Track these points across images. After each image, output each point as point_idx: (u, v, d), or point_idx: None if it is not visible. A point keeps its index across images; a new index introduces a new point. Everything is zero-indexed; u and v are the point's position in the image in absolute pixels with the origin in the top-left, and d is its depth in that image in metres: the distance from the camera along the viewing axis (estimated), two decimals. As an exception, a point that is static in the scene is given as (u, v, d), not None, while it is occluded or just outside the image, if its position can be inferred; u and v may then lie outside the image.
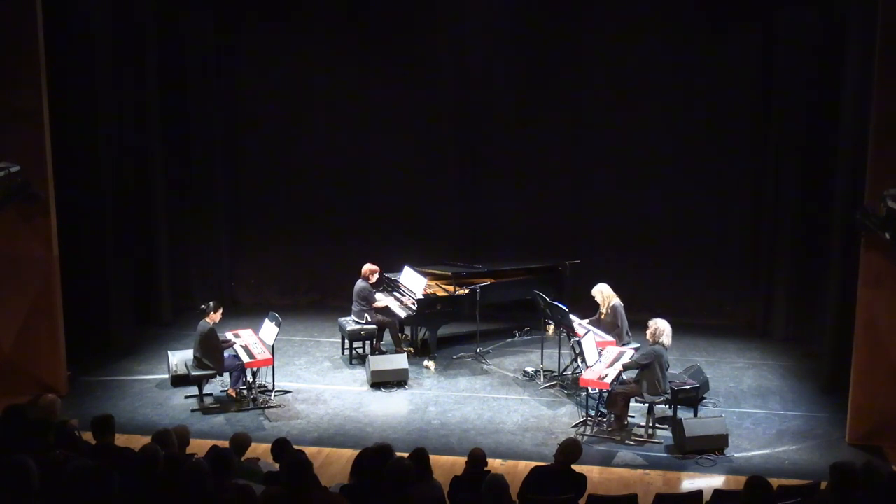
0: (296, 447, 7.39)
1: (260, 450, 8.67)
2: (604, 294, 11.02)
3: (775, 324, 13.04)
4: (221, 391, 10.74)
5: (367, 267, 11.95)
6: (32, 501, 4.81)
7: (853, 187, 10.09)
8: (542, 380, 11.28)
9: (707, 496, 7.27)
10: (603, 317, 11.06)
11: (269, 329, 10.49)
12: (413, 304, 11.73)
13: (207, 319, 10.36)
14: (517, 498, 6.84)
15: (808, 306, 12.54)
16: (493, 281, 12.30)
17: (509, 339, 12.87)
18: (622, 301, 11.06)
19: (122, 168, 12.57)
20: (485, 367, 11.84)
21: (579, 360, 10.28)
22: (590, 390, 10.00)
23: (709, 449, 9.33)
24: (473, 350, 12.15)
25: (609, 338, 10.71)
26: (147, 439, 7.07)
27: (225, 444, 7.59)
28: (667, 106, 13.36)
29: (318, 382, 11.35)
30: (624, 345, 10.64)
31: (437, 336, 11.95)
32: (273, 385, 10.72)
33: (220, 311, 10.50)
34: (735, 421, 10.17)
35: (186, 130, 13.85)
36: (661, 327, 9.70)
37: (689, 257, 13.64)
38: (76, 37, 11.64)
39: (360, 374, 11.50)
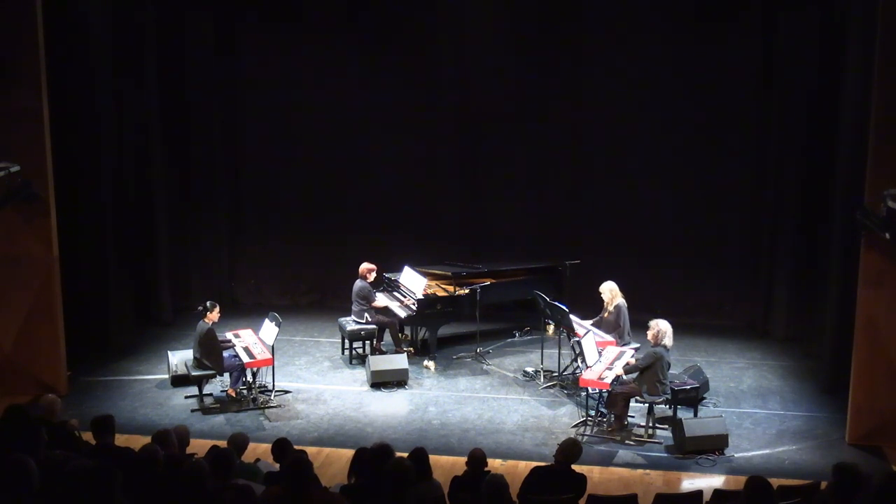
0: (296, 447, 7.41)
1: (260, 450, 8.69)
2: (612, 292, 11.01)
3: (775, 324, 13.04)
4: (221, 391, 10.74)
5: (365, 266, 11.95)
6: (32, 501, 4.81)
7: (853, 187, 10.09)
8: (542, 380, 11.28)
9: (707, 496, 7.27)
10: (607, 315, 11.06)
11: (269, 329, 10.49)
12: (413, 304, 11.73)
13: (206, 319, 10.36)
14: (517, 498, 6.83)
15: (808, 306, 12.53)
16: (493, 281, 12.30)
17: (509, 339, 12.87)
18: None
19: (122, 168, 12.58)
20: (485, 367, 11.84)
21: (579, 360, 10.28)
22: (590, 390, 10.00)
23: (709, 449, 9.33)
24: (473, 350, 12.15)
25: (609, 338, 10.72)
26: (147, 439, 7.07)
27: (225, 444, 7.59)
28: (667, 106, 13.36)
29: (318, 382, 11.35)
30: (624, 345, 10.64)
31: (437, 336, 11.95)
32: (273, 385, 10.72)
33: (217, 309, 10.49)
34: (735, 421, 10.17)
35: (186, 130, 13.85)
36: (663, 329, 9.70)
37: (689, 257, 13.64)
38: (76, 37, 11.64)
39: (360, 374, 11.50)
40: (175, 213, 13.83)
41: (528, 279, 12.53)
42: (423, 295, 11.74)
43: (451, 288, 12.00)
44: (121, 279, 12.57)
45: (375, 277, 12.08)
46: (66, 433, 7.00)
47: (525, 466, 8.40)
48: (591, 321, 11.17)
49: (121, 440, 7.84)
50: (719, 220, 13.63)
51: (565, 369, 11.27)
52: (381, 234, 13.96)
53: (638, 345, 10.72)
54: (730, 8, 13.00)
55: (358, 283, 11.91)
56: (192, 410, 10.40)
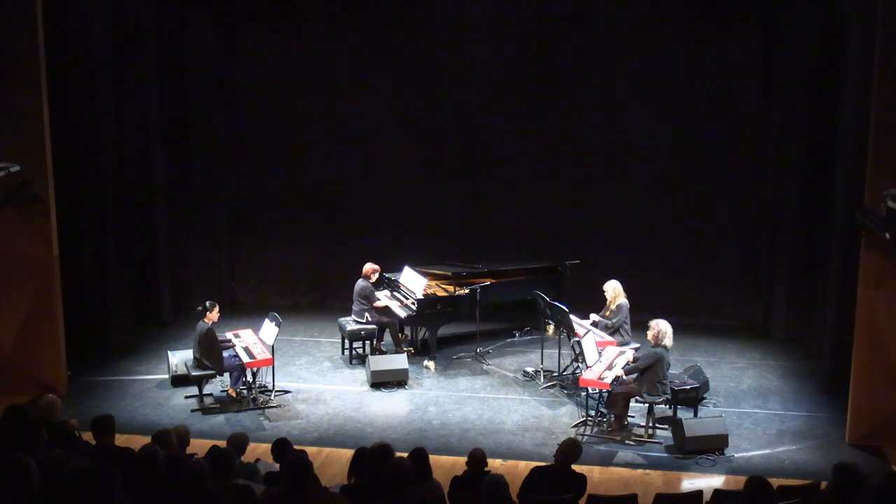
0: (296, 447, 7.41)
1: (260, 450, 8.69)
2: (615, 291, 11.01)
3: (775, 324, 13.04)
4: (221, 391, 10.74)
5: (369, 266, 11.96)
6: (32, 501, 4.81)
7: (853, 187, 10.09)
8: (542, 380, 11.27)
9: (707, 496, 7.27)
10: (608, 314, 11.07)
11: (269, 329, 10.49)
12: (413, 304, 11.73)
13: (206, 319, 10.36)
14: (517, 498, 6.83)
15: (808, 306, 12.53)
16: (493, 281, 12.30)
17: (509, 339, 12.87)
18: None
19: (121, 168, 12.58)
20: (485, 367, 11.84)
21: (579, 360, 10.28)
22: (590, 390, 10.00)
23: (709, 449, 9.33)
24: (473, 350, 12.14)
25: (609, 338, 10.72)
26: (147, 439, 7.07)
27: (225, 444, 7.58)
28: (667, 106, 13.36)
29: (318, 382, 11.35)
30: (623, 344, 10.64)
31: (437, 336, 11.95)
32: (273, 385, 10.72)
33: (217, 309, 10.49)
34: (735, 421, 10.16)
35: (186, 130, 13.85)
36: (663, 329, 9.69)
37: (689, 257, 13.65)
38: (76, 37, 11.64)
39: (360, 374, 11.50)
40: (175, 213, 13.83)
41: (528, 279, 12.52)
42: (423, 295, 11.74)
43: (451, 288, 12.00)
44: (121, 279, 12.57)
45: (377, 278, 12.08)
46: (66, 433, 7.00)
47: (525, 466, 8.39)
48: (590, 320, 11.18)
49: (121, 440, 7.83)
50: (719, 220, 13.63)
51: (565, 369, 11.27)
52: (381, 234, 13.97)
53: (638, 344, 10.72)
54: (730, 8, 13.00)
55: (360, 283, 11.92)
56: (192, 410, 10.40)
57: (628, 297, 11.05)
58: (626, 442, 9.65)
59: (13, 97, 10.27)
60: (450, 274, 12.21)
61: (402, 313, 11.83)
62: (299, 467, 5.38)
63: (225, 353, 10.50)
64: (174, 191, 13.79)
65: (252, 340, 10.71)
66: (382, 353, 11.86)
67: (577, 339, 10.43)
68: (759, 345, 12.82)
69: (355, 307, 11.90)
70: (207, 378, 10.54)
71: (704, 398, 10.59)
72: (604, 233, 13.77)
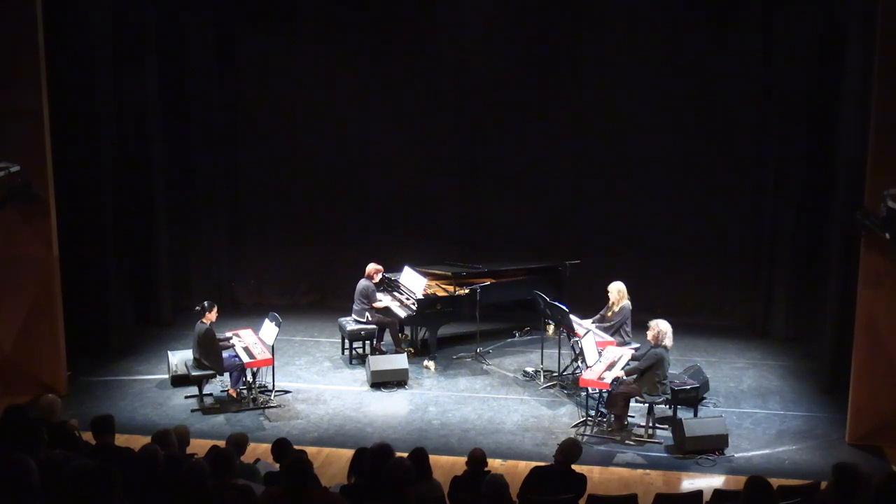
0: (296, 447, 7.41)
1: (260, 450, 8.69)
2: (620, 293, 10.98)
3: (775, 324, 13.04)
4: (221, 391, 10.74)
5: (372, 266, 11.95)
6: (32, 501, 4.81)
7: (853, 187, 10.09)
8: (542, 380, 11.27)
9: (707, 496, 7.26)
10: (609, 315, 11.07)
11: (269, 329, 10.49)
12: (413, 304, 11.73)
13: (204, 320, 10.35)
14: (517, 498, 6.83)
15: (808, 306, 12.54)
16: (493, 281, 12.30)
17: (509, 339, 12.87)
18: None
19: (122, 168, 12.59)
20: (485, 367, 11.84)
21: (579, 361, 10.28)
22: (590, 390, 10.00)
23: (709, 449, 9.32)
24: (473, 350, 12.15)
25: (609, 338, 10.72)
26: (147, 439, 7.07)
27: (225, 444, 7.58)
28: (667, 106, 13.36)
29: (318, 382, 11.35)
30: (623, 345, 10.64)
31: (437, 336, 11.95)
32: (273, 385, 10.72)
33: (215, 309, 10.49)
34: (735, 421, 10.16)
35: (186, 130, 13.85)
36: (663, 329, 9.68)
37: (689, 257, 13.65)
38: (76, 37, 11.65)
39: (360, 374, 11.50)
40: (175, 213, 13.83)
41: (528, 279, 12.52)
42: (423, 295, 11.74)
43: (451, 288, 12.00)
44: (121, 279, 12.58)
45: (380, 278, 12.08)
46: (66, 433, 6.99)
47: (525, 466, 8.39)
48: (591, 319, 11.17)
49: (121, 440, 7.84)
50: (719, 220, 13.64)
51: (565, 369, 11.27)
52: (381, 234, 13.98)
53: (638, 345, 10.72)
54: (730, 8, 13.01)
55: (362, 283, 11.91)
56: (192, 410, 10.40)
57: (629, 297, 11.04)
58: (626, 442, 9.65)
59: (13, 97, 10.27)
60: (450, 274, 12.21)
61: (402, 313, 11.83)
62: (299, 467, 5.38)
63: (225, 353, 10.49)
64: (174, 191, 13.80)
65: (252, 340, 10.72)
66: (382, 353, 11.86)
67: (577, 339, 10.43)
68: (759, 345, 12.82)
69: (356, 306, 11.90)
70: (207, 378, 10.54)
71: (704, 398, 10.59)
72: (604, 233, 13.77)
